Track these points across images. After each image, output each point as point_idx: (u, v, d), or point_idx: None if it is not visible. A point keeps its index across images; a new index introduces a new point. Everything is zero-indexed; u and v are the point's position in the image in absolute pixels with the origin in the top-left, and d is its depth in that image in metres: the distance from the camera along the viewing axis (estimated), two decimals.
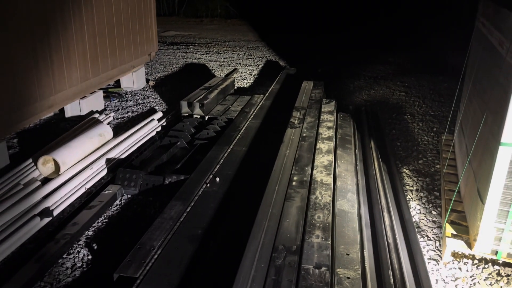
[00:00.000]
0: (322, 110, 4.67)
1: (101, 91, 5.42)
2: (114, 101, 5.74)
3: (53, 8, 4.04)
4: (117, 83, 6.35)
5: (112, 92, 6.07)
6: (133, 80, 6.29)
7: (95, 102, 5.16)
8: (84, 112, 4.95)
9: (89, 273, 2.49)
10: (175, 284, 2.14)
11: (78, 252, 2.66)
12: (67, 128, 4.54)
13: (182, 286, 2.15)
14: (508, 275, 2.51)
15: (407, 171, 3.84)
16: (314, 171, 3.21)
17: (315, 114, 4.56)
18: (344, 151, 3.77)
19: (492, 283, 2.46)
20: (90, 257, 2.62)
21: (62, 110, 4.99)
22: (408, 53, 9.29)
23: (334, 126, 4.26)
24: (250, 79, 7.36)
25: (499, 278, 2.50)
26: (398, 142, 4.54)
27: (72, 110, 4.90)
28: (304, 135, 3.98)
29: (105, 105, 5.52)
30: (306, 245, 2.28)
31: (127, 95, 6.08)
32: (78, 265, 2.55)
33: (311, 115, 4.53)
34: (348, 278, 2.16)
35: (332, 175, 3.18)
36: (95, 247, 2.71)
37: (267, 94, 5.71)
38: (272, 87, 6.08)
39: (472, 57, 3.70)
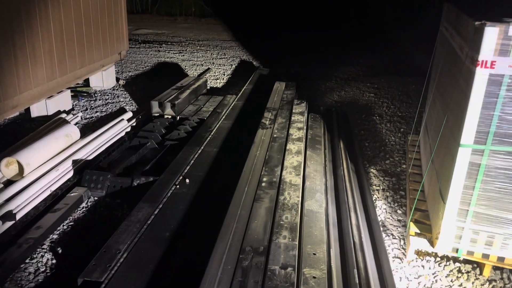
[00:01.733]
0: (293, 111, 4.71)
1: (69, 90, 5.29)
2: (83, 101, 5.61)
3: (17, 4, 3.91)
4: (86, 82, 6.21)
5: (81, 91, 5.94)
6: (103, 79, 6.16)
7: (62, 101, 5.03)
8: (50, 112, 4.82)
9: (53, 278, 2.43)
10: None
11: (42, 256, 2.59)
12: (33, 129, 4.40)
13: None
14: (468, 272, 2.61)
15: (374, 171, 3.93)
16: (284, 172, 3.24)
17: (286, 115, 4.60)
18: (314, 152, 3.83)
19: (453, 280, 2.55)
20: (54, 261, 2.56)
21: (28, 110, 4.84)
22: (378, 55, 9.48)
23: (305, 127, 4.31)
24: (223, 79, 7.34)
25: (459, 275, 2.59)
26: (366, 143, 4.63)
27: (38, 110, 4.75)
28: (275, 136, 4.01)
29: (73, 105, 5.39)
30: (273, 246, 2.30)
31: (96, 95, 5.95)
32: (42, 269, 2.48)
33: (282, 116, 4.57)
34: (314, 277, 2.19)
35: (301, 176, 3.22)
36: (60, 251, 2.65)
37: (239, 94, 5.71)
38: (244, 87, 6.10)
39: (436, 61, 3.82)
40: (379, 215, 3.19)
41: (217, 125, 4.55)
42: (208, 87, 6.67)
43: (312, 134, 4.27)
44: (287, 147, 3.70)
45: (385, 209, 3.29)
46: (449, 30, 3.30)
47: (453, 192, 2.45)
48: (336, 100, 6.31)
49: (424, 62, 4.08)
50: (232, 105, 5.26)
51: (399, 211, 3.25)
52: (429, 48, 4.20)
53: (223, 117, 4.82)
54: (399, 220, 3.14)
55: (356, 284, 2.32)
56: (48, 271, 2.48)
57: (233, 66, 8.24)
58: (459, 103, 2.49)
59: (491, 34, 2.14)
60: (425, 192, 3.19)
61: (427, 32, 6.63)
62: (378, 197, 3.46)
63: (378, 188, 3.62)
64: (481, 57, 2.18)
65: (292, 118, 4.48)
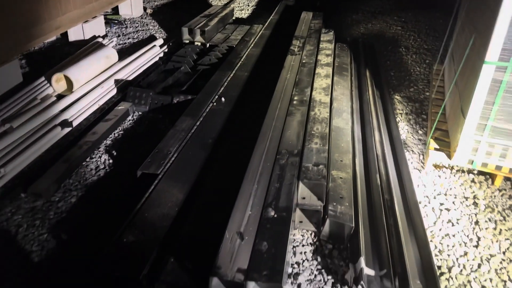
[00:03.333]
0: (321, 39, 4.81)
1: (102, 16, 5.44)
2: (114, 28, 5.78)
3: None
4: (115, 11, 6.33)
5: (111, 19, 6.08)
6: (131, 7, 6.26)
7: (97, 27, 5.21)
8: (87, 36, 5.02)
9: (111, 173, 2.79)
10: (192, 180, 2.44)
11: (100, 157, 2.93)
12: (71, 52, 4.63)
13: (198, 181, 2.46)
14: (480, 182, 2.87)
15: (398, 97, 4.10)
16: (313, 92, 3.45)
17: (314, 43, 4.71)
18: (341, 78, 3.99)
19: (466, 188, 2.82)
20: (111, 161, 2.91)
21: (64, 36, 5.05)
22: None
23: (332, 54, 4.44)
24: (248, 10, 7.34)
25: (472, 184, 2.86)
26: (391, 72, 4.75)
27: (75, 34, 4.96)
28: (303, 61, 4.16)
29: (106, 31, 5.56)
30: (306, 150, 2.58)
31: (126, 22, 6.09)
32: (101, 167, 2.84)
33: (310, 44, 4.68)
34: (341, 178, 2.49)
35: (329, 96, 3.43)
36: (114, 154, 2.99)
37: (266, 24, 5.77)
38: (271, 17, 6.13)
39: None
40: (401, 135, 3.42)
41: (246, 52, 4.70)
42: (234, 18, 6.71)
43: (339, 62, 4.40)
44: (316, 71, 3.87)
45: (407, 129, 3.51)
46: None
47: (474, 107, 2.64)
48: (362, 32, 6.31)
49: None
50: (259, 34, 5.36)
51: (420, 132, 3.48)
52: None
53: (252, 45, 4.95)
54: (419, 139, 3.37)
55: (377, 185, 2.61)
56: (107, 168, 2.84)
57: None
58: (487, 23, 2.60)
59: None
60: (446, 115, 3.38)
61: None
62: (401, 120, 3.66)
63: (401, 112, 3.81)
64: None
65: (320, 45, 4.59)
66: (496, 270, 2.20)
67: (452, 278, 2.13)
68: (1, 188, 2.58)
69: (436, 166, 3.04)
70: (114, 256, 1.85)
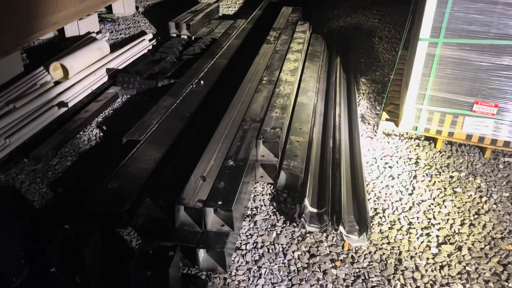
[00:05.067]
0: (296, 30, 5.23)
1: (96, 13, 5.87)
2: (108, 25, 6.21)
3: None
4: (109, 10, 6.76)
5: (105, 17, 6.51)
6: (124, 6, 6.69)
7: (91, 23, 5.64)
8: (82, 33, 5.45)
9: (101, 143, 3.21)
10: (169, 143, 2.86)
11: (91, 131, 3.36)
12: (68, 47, 5.06)
13: (174, 145, 2.88)
14: (424, 146, 3.28)
15: (364, 80, 4.51)
16: (281, 74, 3.87)
17: (289, 33, 5.13)
18: (311, 63, 4.42)
19: (411, 151, 3.23)
20: (101, 134, 3.33)
21: (61, 32, 5.48)
22: None
23: (305, 43, 4.86)
24: (235, 7, 7.76)
25: (417, 147, 3.27)
26: (362, 59, 5.16)
27: (71, 30, 5.39)
28: (277, 49, 4.58)
29: (100, 28, 5.99)
30: (267, 117, 3.00)
31: (119, 20, 6.52)
32: (93, 139, 3.26)
33: (286, 34, 5.10)
34: (298, 141, 2.91)
35: (295, 77, 3.85)
36: (105, 128, 3.41)
37: (249, 18, 6.20)
38: (254, 13, 6.56)
39: None
40: (360, 111, 3.84)
41: (228, 43, 5.12)
42: (220, 14, 7.14)
43: (312, 50, 4.82)
44: (287, 57, 4.29)
45: (366, 106, 3.93)
46: None
47: (413, 79, 3.06)
48: (341, 25, 6.72)
49: None
50: (242, 27, 5.78)
51: (378, 108, 3.89)
52: None
53: (233, 37, 5.37)
54: (376, 114, 3.79)
55: (330, 147, 3.02)
56: (97, 139, 3.26)
57: None
58: (423, 5, 3.02)
59: None
60: (401, 92, 3.79)
61: None
62: (362, 98, 4.08)
63: (364, 92, 4.23)
64: None
65: (294, 35, 5.01)
66: (424, 211, 2.61)
67: (384, 217, 2.55)
68: (7, 155, 3.00)
69: (387, 134, 3.45)
70: (101, 197, 2.27)
